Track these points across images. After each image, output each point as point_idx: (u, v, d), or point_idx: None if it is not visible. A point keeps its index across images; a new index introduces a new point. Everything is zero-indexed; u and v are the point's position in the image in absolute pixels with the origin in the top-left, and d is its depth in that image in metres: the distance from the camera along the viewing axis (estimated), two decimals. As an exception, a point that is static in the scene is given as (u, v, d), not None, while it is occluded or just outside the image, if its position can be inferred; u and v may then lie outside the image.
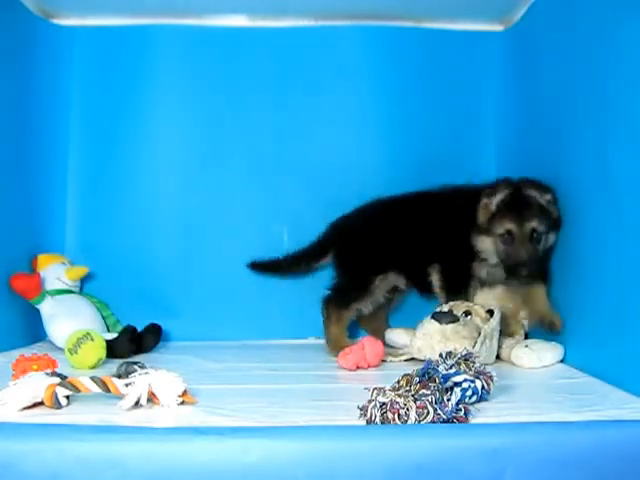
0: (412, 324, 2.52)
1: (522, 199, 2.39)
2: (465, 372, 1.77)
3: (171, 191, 3.03)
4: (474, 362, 1.87)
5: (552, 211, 2.39)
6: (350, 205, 2.85)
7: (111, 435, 1.33)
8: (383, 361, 2.42)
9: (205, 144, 3.02)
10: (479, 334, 2.29)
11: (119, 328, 2.72)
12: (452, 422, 1.58)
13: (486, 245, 2.45)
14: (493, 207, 2.41)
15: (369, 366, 2.36)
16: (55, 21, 2.98)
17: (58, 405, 1.70)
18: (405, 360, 2.42)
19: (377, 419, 1.57)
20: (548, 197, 2.39)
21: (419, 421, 1.55)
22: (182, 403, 1.74)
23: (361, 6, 2.92)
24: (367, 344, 2.38)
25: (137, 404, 1.70)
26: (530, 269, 2.36)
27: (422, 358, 2.20)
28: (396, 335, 2.68)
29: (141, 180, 3.02)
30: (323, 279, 2.91)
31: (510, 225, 2.37)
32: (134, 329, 2.64)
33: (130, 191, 3.02)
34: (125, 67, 3.02)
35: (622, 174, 1.95)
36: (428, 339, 2.33)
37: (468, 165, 3.02)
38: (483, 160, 3.05)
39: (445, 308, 2.44)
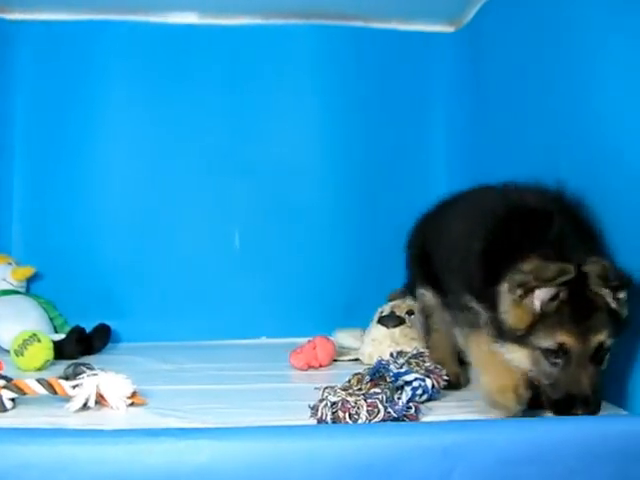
0: (363, 324, 2.52)
1: (585, 295, 1.59)
2: (416, 371, 1.79)
3: (120, 190, 2.99)
4: (424, 361, 1.88)
5: (622, 309, 1.61)
6: (303, 206, 2.86)
7: (57, 438, 1.30)
8: (335, 360, 2.42)
9: (155, 143, 2.99)
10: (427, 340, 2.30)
11: (67, 329, 2.68)
12: (403, 420, 1.59)
13: (516, 358, 1.65)
14: (537, 307, 1.59)
15: (320, 365, 2.36)
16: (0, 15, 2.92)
17: (3, 408, 1.67)
18: (356, 359, 2.43)
19: (328, 418, 1.58)
20: (623, 294, 1.61)
21: (370, 420, 1.56)
22: (131, 405, 1.73)
23: (312, 5, 2.92)
24: (318, 343, 2.39)
25: (85, 406, 1.68)
26: (594, 410, 1.57)
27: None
28: (342, 337, 2.66)
29: (89, 178, 2.97)
30: (276, 278, 2.91)
31: (566, 338, 1.57)
32: (82, 330, 2.61)
33: (78, 190, 2.97)
34: (72, 63, 2.96)
35: (572, 175, 1.97)
36: (377, 345, 2.34)
37: (418, 167, 3.05)
38: (432, 162, 3.07)
39: (387, 310, 2.45)
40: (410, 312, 2.42)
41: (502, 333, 1.65)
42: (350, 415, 1.57)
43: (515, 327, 1.60)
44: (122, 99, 2.98)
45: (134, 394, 1.74)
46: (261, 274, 2.99)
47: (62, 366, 1.97)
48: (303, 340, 2.44)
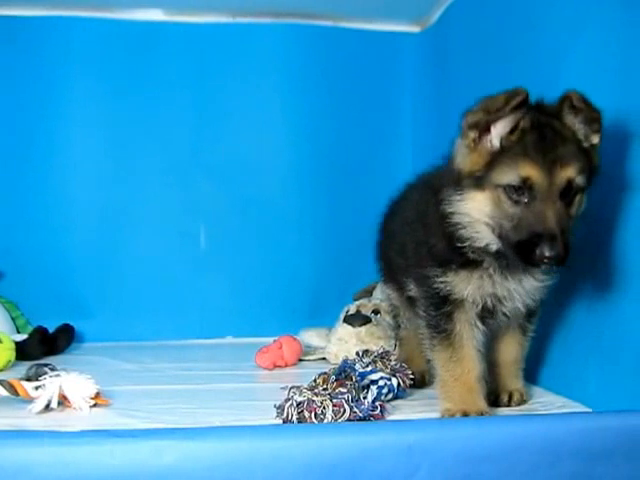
0: (329, 323, 2.53)
1: (551, 127, 1.47)
2: (381, 370, 1.79)
3: (85, 189, 2.96)
4: (390, 360, 1.89)
5: (594, 154, 1.51)
6: (269, 206, 2.86)
7: (16, 440, 1.28)
8: (301, 360, 2.42)
9: (120, 141, 2.96)
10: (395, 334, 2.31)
11: (29, 329, 2.65)
12: (368, 420, 1.59)
13: (476, 206, 1.52)
14: (495, 140, 1.47)
15: (287, 365, 2.36)
16: (-36, 10, 2.88)
17: (-37, 410, 1.64)
18: (322, 358, 2.44)
19: (294, 418, 1.58)
20: (595, 127, 1.50)
21: (335, 420, 1.56)
22: (95, 405, 1.71)
23: (280, 4, 2.92)
24: (284, 343, 2.38)
25: (48, 407, 1.66)
26: (561, 252, 1.40)
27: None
28: (308, 336, 2.67)
29: (53, 177, 2.94)
30: (241, 277, 2.91)
31: (530, 170, 1.43)
32: (45, 330, 2.58)
33: (41, 189, 2.93)
34: (38, 59, 2.93)
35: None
36: (344, 344, 2.35)
37: (384, 166, 3.06)
38: (399, 160, 3.09)
39: (353, 309, 2.45)
40: (376, 311, 2.43)
41: (459, 184, 1.53)
42: (316, 415, 1.57)
43: (472, 171, 1.49)
44: (85, 97, 2.95)
45: (97, 395, 1.72)
46: (227, 273, 2.98)
47: (24, 367, 1.95)
48: (269, 340, 2.44)
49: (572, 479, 1.39)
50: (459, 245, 1.60)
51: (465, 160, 1.51)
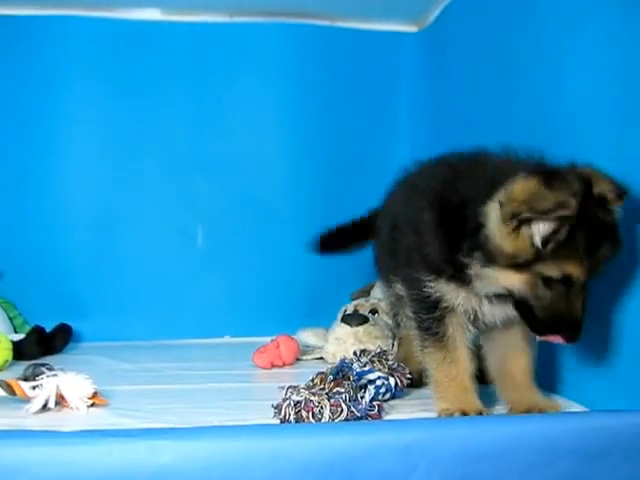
0: (327, 323, 2.53)
1: (597, 222, 1.44)
2: (379, 369, 1.79)
3: (82, 187, 2.96)
4: (388, 359, 1.89)
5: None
6: (267, 205, 2.85)
7: (13, 440, 1.28)
8: (298, 359, 2.42)
9: (117, 140, 2.96)
10: (393, 334, 2.32)
11: (26, 329, 2.64)
12: (366, 419, 1.59)
13: (508, 281, 1.51)
14: (537, 237, 1.42)
15: (284, 364, 2.36)
16: (-42, 9, 2.87)
17: (-40, 410, 1.64)
18: (319, 358, 2.44)
19: (291, 418, 1.58)
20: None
21: (333, 419, 1.56)
22: (92, 405, 1.71)
23: (277, 3, 2.92)
24: (282, 342, 2.38)
25: (45, 407, 1.66)
26: (579, 334, 1.48)
27: (337, 364, 2.21)
28: (305, 336, 2.67)
29: (50, 176, 2.93)
30: (239, 277, 2.91)
31: (575, 270, 1.43)
32: (42, 330, 2.57)
33: (38, 188, 2.92)
34: (34, 58, 2.92)
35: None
36: (341, 344, 2.35)
37: (381, 166, 3.05)
38: (397, 160, 3.06)
39: (350, 309, 2.45)
40: (374, 311, 2.43)
41: (492, 258, 1.48)
42: (313, 414, 1.57)
43: (515, 256, 1.45)
44: (82, 96, 2.94)
45: (95, 394, 1.72)
46: (224, 273, 2.98)
47: (22, 367, 1.94)
48: (266, 339, 2.44)
49: (569, 479, 1.39)
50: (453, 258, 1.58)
51: (505, 242, 1.46)
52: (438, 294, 1.64)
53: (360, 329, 2.35)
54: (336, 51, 3.06)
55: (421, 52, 3.02)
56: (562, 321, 1.46)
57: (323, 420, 1.56)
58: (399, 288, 1.84)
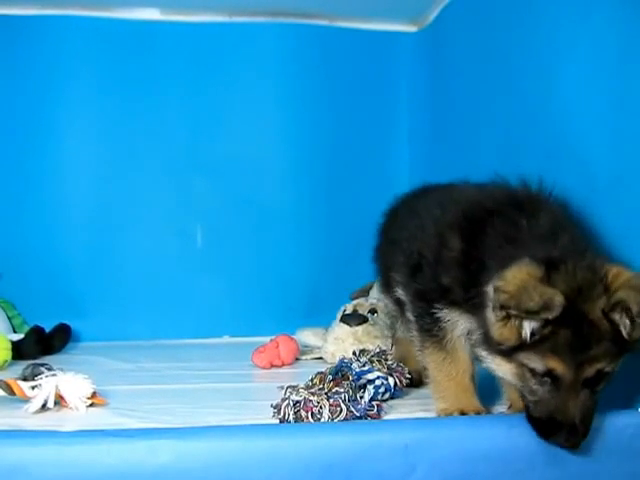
0: (326, 322, 2.53)
1: (588, 321, 1.36)
2: (378, 369, 1.79)
3: (81, 188, 2.95)
4: (387, 359, 1.89)
5: (635, 335, 1.37)
6: (266, 205, 2.85)
7: (12, 440, 1.28)
8: (297, 359, 2.42)
9: (116, 140, 2.96)
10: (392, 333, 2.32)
11: (26, 329, 2.64)
12: (365, 419, 1.59)
13: (503, 372, 1.47)
14: (526, 329, 1.37)
15: (283, 364, 2.36)
16: (-42, 8, 2.87)
17: (-41, 410, 1.64)
18: (319, 358, 2.44)
19: (290, 418, 1.57)
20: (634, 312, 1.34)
21: (332, 419, 1.56)
22: (91, 405, 1.71)
23: (276, 3, 2.92)
24: (281, 342, 2.38)
25: (44, 407, 1.65)
26: (579, 441, 1.37)
27: (336, 363, 2.20)
28: (304, 336, 2.66)
29: (48, 177, 2.93)
30: (238, 277, 2.90)
31: (557, 365, 1.37)
32: (42, 330, 2.58)
33: (37, 188, 2.92)
34: (33, 58, 2.92)
35: (531, 170, 1.99)
36: (340, 343, 2.35)
37: (381, 165, 3.06)
38: (395, 160, 3.09)
39: (350, 309, 2.45)
40: (373, 310, 2.43)
41: (487, 341, 1.47)
42: (312, 414, 1.57)
43: (500, 342, 1.42)
44: (81, 96, 2.95)
45: (94, 394, 1.72)
46: (223, 273, 2.98)
47: (21, 367, 1.94)
48: (266, 339, 2.44)
49: (569, 478, 1.39)
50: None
51: (494, 329, 1.42)
52: (439, 315, 1.63)
53: (359, 329, 2.35)
54: (335, 51, 3.06)
55: (420, 52, 3.02)
56: (557, 422, 1.38)
57: (322, 420, 1.56)
58: (400, 293, 1.83)
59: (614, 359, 1.37)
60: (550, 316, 1.32)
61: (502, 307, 1.37)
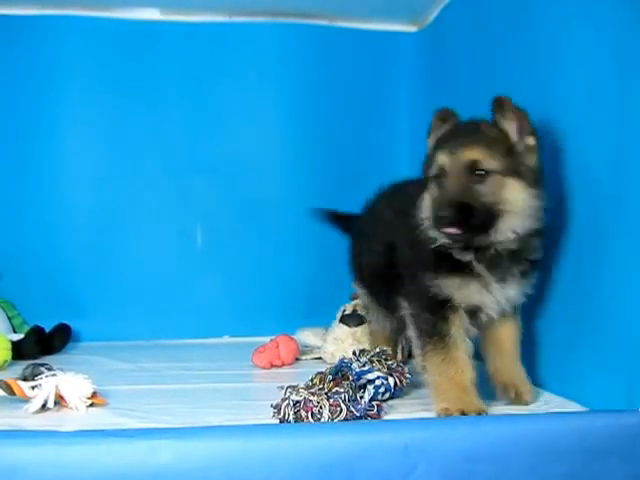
0: (326, 322, 2.53)
1: (471, 126, 1.71)
2: (378, 369, 1.79)
3: (80, 188, 2.95)
4: (387, 359, 1.88)
5: (522, 151, 1.65)
6: (266, 205, 2.86)
7: (12, 440, 1.28)
8: (297, 359, 2.42)
9: (116, 140, 2.95)
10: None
11: (26, 329, 2.64)
12: (365, 419, 1.59)
13: (424, 203, 1.73)
14: (431, 143, 1.76)
15: (283, 364, 2.36)
16: (-43, 8, 2.86)
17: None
18: (318, 358, 2.44)
19: (290, 418, 1.57)
20: (526, 128, 1.66)
21: (332, 419, 1.56)
22: (91, 405, 1.71)
23: (276, 3, 2.91)
24: (281, 342, 2.38)
25: (44, 407, 1.65)
26: (451, 215, 1.59)
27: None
28: (305, 336, 2.66)
29: (48, 176, 2.92)
30: (238, 277, 2.90)
31: (442, 157, 1.66)
32: (42, 330, 2.58)
33: (37, 188, 2.91)
34: (33, 58, 2.91)
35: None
36: (340, 343, 2.35)
37: (381, 165, 3.06)
38: (396, 160, 3.08)
39: (349, 309, 2.45)
40: (373, 310, 2.42)
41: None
42: (312, 414, 1.57)
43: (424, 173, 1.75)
44: (81, 96, 2.94)
45: (94, 394, 1.72)
46: (223, 273, 2.98)
47: (21, 366, 1.94)
48: (266, 339, 2.44)
49: (568, 478, 1.39)
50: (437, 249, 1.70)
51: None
52: (446, 292, 1.70)
53: (358, 329, 2.35)
54: (335, 51, 3.06)
55: (420, 52, 3.02)
56: (440, 207, 1.62)
57: (322, 420, 1.56)
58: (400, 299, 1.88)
59: (492, 155, 1.61)
60: (435, 117, 1.81)
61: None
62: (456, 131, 1.71)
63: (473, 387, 1.67)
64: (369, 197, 2.31)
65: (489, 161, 1.61)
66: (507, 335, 1.82)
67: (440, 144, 1.68)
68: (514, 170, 1.62)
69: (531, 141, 1.66)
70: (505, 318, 1.80)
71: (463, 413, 1.59)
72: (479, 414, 1.59)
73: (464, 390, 1.65)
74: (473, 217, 1.58)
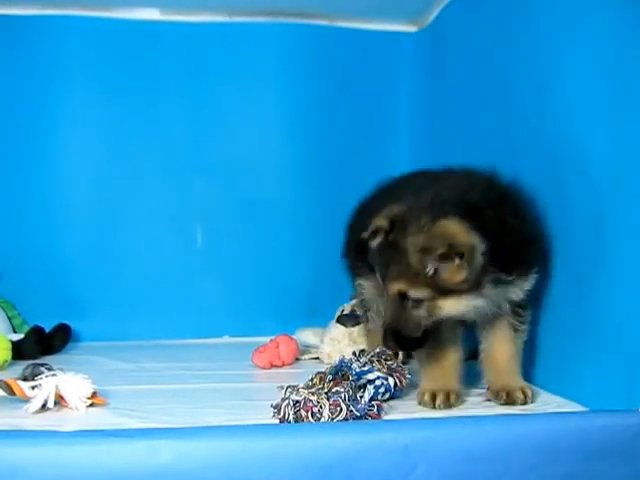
0: (326, 322, 2.53)
1: (392, 244, 1.70)
2: (378, 369, 1.79)
3: (81, 188, 2.95)
4: (387, 359, 1.88)
5: (448, 276, 1.62)
6: (266, 205, 2.85)
7: (12, 440, 1.28)
8: (297, 359, 2.42)
9: (116, 140, 2.96)
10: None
11: (26, 329, 2.64)
12: (365, 419, 1.59)
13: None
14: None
15: (283, 364, 2.36)
16: (-43, 8, 2.86)
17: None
18: (318, 358, 2.44)
19: (290, 417, 1.57)
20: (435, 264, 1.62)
21: (332, 419, 1.56)
22: (91, 405, 1.71)
23: (276, 3, 2.91)
24: (281, 342, 2.38)
25: (44, 407, 1.65)
26: (390, 345, 1.77)
27: (333, 364, 2.21)
28: (304, 336, 2.66)
29: (48, 176, 2.92)
30: (238, 277, 2.90)
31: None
32: (42, 330, 2.58)
33: (37, 187, 2.92)
34: (33, 58, 2.91)
35: (533, 170, 2.00)
36: (336, 344, 2.35)
37: (380, 165, 3.04)
38: (395, 160, 3.08)
39: (347, 309, 2.45)
40: (371, 310, 2.42)
41: None
42: (312, 414, 1.57)
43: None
44: (81, 96, 2.94)
45: (94, 394, 1.72)
46: (223, 273, 2.98)
47: (21, 367, 1.94)
48: (266, 339, 2.44)
49: (568, 478, 1.39)
50: None
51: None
52: None
53: (355, 330, 2.35)
54: (335, 51, 3.06)
55: (420, 52, 3.02)
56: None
57: (322, 420, 1.56)
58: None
59: (415, 285, 1.64)
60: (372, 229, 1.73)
61: None
62: (386, 255, 1.71)
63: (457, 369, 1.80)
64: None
65: (415, 292, 1.65)
66: (502, 351, 1.84)
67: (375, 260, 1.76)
68: (445, 291, 1.64)
69: (457, 262, 1.60)
70: (501, 330, 1.83)
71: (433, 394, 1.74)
72: (448, 395, 1.74)
73: (445, 375, 1.80)
74: (409, 339, 1.71)
